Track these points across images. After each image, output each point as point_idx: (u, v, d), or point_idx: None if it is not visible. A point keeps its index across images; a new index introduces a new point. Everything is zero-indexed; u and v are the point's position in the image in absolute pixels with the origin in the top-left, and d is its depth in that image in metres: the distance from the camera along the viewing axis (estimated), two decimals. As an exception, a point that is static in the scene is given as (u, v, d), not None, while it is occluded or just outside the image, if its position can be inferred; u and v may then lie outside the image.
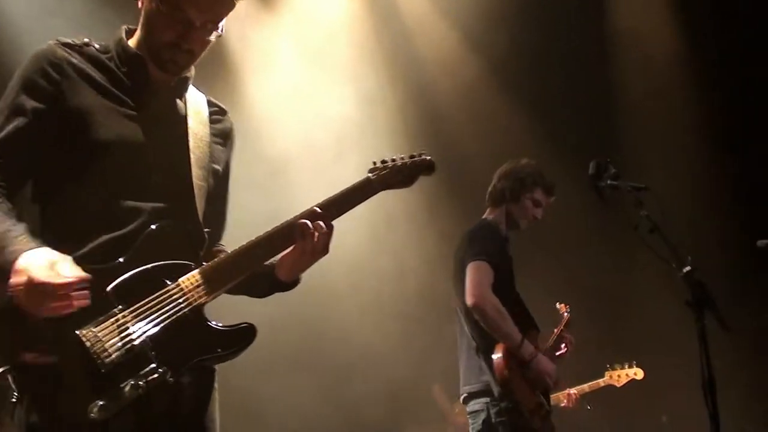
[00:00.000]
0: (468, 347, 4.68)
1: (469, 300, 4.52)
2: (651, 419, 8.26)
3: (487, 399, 4.48)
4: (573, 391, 6.32)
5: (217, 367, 2.87)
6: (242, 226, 3.15)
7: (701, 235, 7.64)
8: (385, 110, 8.17)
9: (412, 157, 3.03)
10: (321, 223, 2.81)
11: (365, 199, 2.94)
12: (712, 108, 8.43)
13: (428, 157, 3.05)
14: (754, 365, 7.89)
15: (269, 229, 2.84)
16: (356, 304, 7.90)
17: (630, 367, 6.34)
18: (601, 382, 6.37)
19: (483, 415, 4.52)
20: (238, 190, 3.18)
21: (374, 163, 2.99)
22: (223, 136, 3.07)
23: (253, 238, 2.82)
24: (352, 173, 3.02)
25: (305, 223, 2.80)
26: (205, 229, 2.89)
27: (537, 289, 5.23)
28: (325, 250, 2.84)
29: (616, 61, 8.62)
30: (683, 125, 8.51)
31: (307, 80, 7.90)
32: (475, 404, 4.59)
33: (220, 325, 2.72)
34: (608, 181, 4.31)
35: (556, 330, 5.22)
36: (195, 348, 2.67)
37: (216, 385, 2.88)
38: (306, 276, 2.97)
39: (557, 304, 5.47)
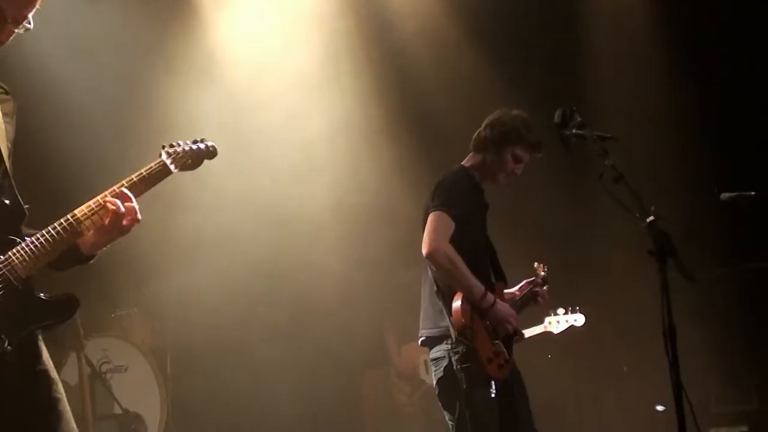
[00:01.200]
0: (430, 292, 4.68)
1: (423, 249, 4.53)
2: (612, 368, 8.36)
3: (448, 346, 4.48)
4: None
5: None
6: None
7: (666, 186, 7.67)
8: (352, 66, 8.11)
9: (195, 142, 3.28)
10: (130, 204, 3.02)
11: (161, 180, 3.15)
12: (680, 60, 8.43)
13: (211, 144, 3.31)
14: (714, 314, 7.98)
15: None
16: (323, 253, 7.90)
17: (572, 312, 6.20)
18: (536, 329, 6.22)
19: (445, 362, 4.53)
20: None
21: (163, 147, 3.19)
22: (10, 115, 3.14)
23: (68, 215, 2.99)
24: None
25: (117, 204, 2.99)
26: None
27: (500, 238, 5.20)
28: (127, 231, 3.05)
29: (583, 11, 8.56)
30: (650, 77, 8.51)
31: (274, 31, 7.80)
32: (437, 351, 4.60)
33: (47, 296, 2.95)
34: (574, 130, 4.29)
35: (524, 282, 5.17)
36: (28, 318, 2.90)
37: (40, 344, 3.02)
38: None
39: (535, 263, 5.37)
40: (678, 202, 7.42)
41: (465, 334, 4.41)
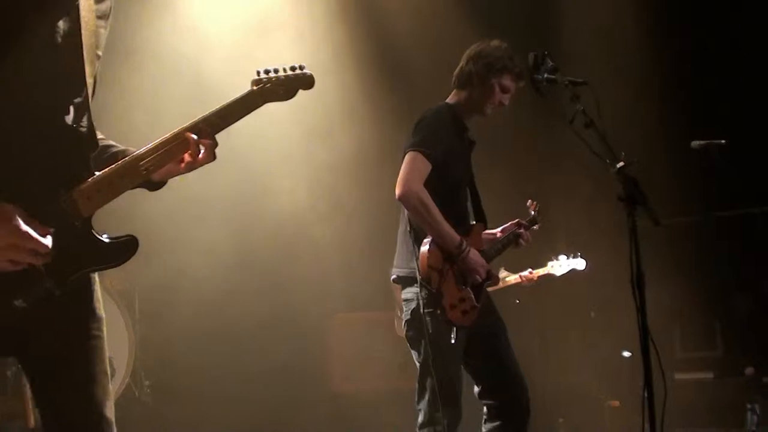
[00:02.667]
0: (404, 231, 4.64)
1: (396, 191, 4.47)
2: (580, 314, 8.41)
3: (416, 289, 4.47)
4: (524, 274, 6.33)
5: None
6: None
7: (637, 132, 7.66)
8: (323, 6, 8.03)
9: (293, 69, 2.99)
10: (206, 137, 2.82)
11: (248, 113, 2.92)
12: (654, 7, 8.39)
13: (308, 72, 3.00)
14: (682, 261, 8.03)
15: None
16: (298, 199, 7.88)
17: (574, 257, 6.27)
18: (540, 271, 6.33)
19: (413, 305, 4.51)
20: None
21: (258, 73, 2.94)
22: (105, 17, 2.91)
23: (140, 149, 2.79)
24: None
25: (191, 136, 2.80)
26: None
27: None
28: (208, 161, 2.86)
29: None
30: (623, 23, 8.47)
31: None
32: (407, 292, 4.57)
33: (106, 237, 2.71)
34: (545, 75, 4.26)
35: (509, 224, 5.11)
36: (82, 259, 2.66)
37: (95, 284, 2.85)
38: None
39: (528, 201, 5.33)
40: (648, 148, 7.40)
41: (429, 279, 4.39)
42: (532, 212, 5.15)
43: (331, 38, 8.03)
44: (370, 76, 8.19)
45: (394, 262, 4.73)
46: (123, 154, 2.87)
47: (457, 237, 4.46)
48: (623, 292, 3.58)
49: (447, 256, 4.46)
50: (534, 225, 5.10)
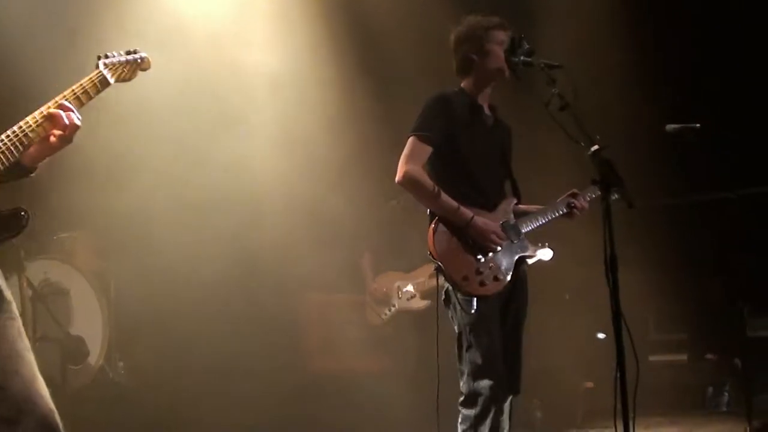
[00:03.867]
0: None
1: (396, 177, 4.54)
2: (554, 296, 8.45)
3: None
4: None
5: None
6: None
7: (612, 116, 7.68)
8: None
9: (128, 53, 3.31)
10: (72, 114, 3.02)
11: (100, 92, 3.17)
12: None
13: (145, 55, 3.34)
14: (656, 244, 8.08)
15: None
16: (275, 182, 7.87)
17: (541, 247, 6.32)
18: None
19: (447, 285, 4.53)
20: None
21: (98, 57, 3.21)
22: None
23: (13, 127, 2.96)
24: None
25: (61, 115, 2.99)
26: None
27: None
28: (70, 141, 3.03)
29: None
30: (599, 8, 8.49)
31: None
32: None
33: None
34: (522, 57, 4.27)
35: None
36: None
37: None
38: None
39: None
40: (622, 131, 7.44)
41: (434, 255, 4.43)
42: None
43: (311, 41, 8.02)
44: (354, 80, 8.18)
45: None
46: None
47: (457, 209, 4.46)
48: (598, 275, 3.60)
49: (454, 230, 4.46)
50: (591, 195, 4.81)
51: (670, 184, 8.27)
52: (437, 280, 4.54)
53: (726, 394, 8.26)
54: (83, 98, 3.10)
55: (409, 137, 4.56)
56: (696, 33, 8.28)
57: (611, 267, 3.52)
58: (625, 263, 3.55)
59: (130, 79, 3.31)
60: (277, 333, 7.82)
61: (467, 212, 4.45)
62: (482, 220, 4.47)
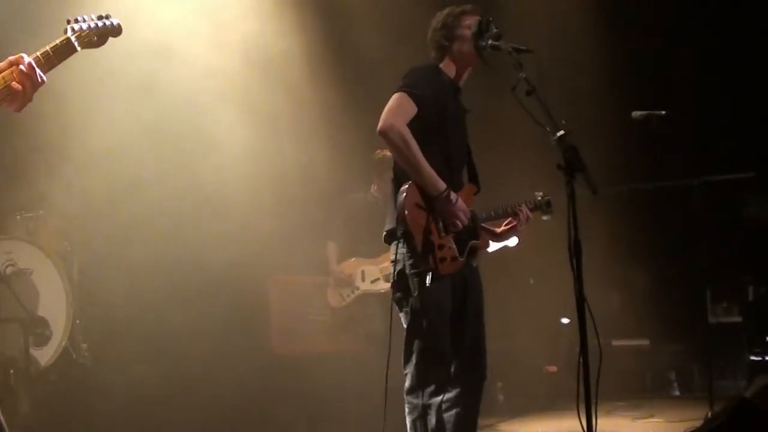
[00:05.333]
0: (390, 185, 4.56)
1: (378, 126, 4.34)
2: (519, 281, 8.49)
3: (403, 249, 4.37)
4: None
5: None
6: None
7: (578, 101, 7.72)
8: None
9: (100, 18, 3.25)
10: (38, 80, 3.03)
11: (66, 58, 3.14)
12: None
13: (116, 21, 3.30)
14: (622, 229, 8.14)
15: None
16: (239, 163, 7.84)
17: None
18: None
19: (399, 266, 4.40)
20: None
21: (68, 22, 3.17)
22: None
23: None
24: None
25: (21, 68, 3.00)
26: None
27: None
28: (29, 98, 3.04)
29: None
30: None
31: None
32: (393, 252, 4.44)
33: None
34: (489, 41, 4.25)
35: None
36: None
37: None
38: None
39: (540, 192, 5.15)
40: (589, 117, 7.48)
41: (401, 219, 4.30)
42: (539, 198, 4.91)
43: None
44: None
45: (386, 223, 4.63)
46: None
47: (437, 177, 4.32)
48: (563, 259, 3.60)
49: (425, 198, 4.33)
50: (539, 210, 4.80)
51: (634, 170, 8.31)
52: (396, 252, 4.38)
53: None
54: (46, 65, 3.07)
55: (396, 92, 4.39)
56: (664, 21, 8.33)
57: (575, 252, 3.52)
58: (590, 248, 3.57)
59: (98, 46, 3.26)
60: (241, 314, 7.80)
61: (442, 183, 4.34)
62: (455, 195, 4.37)
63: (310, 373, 7.31)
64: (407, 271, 4.37)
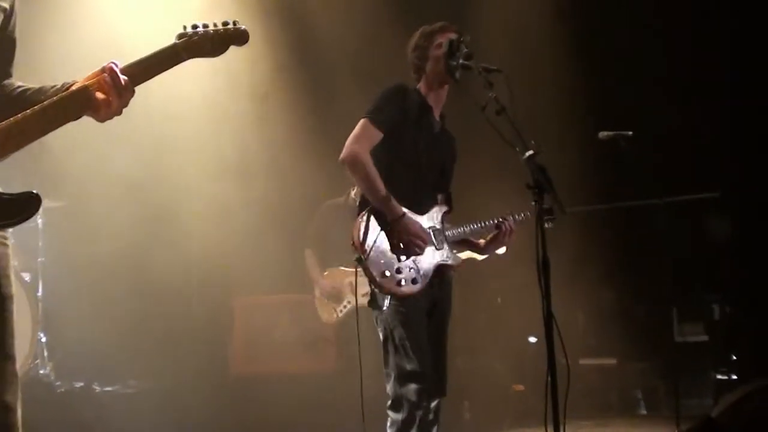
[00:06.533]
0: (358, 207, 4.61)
1: (341, 155, 4.45)
2: (486, 299, 8.52)
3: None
4: None
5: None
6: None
7: (546, 121, 7.78)
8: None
9: (225, 24, 2.94)
10: (122, 86, 2.80)
11: (171, 67, 2.88)
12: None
13: (242, 27, 2.97)
14: (590, 248, 8.19)
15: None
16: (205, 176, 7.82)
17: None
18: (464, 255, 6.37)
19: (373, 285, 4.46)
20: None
21: (184, 28, 2.88)
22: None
23: (56, 97, 2.78)
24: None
25: (106, 77, 2.80)
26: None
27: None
28: (119, 113, 2.85)
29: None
30: (534, 16, 8.60)
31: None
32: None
33: (8, 194, 2.72)
34: (461, 61, 4.30)
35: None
36: None
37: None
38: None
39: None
40: (557, 138, 7.53)
41: (357, 245, 4.35)
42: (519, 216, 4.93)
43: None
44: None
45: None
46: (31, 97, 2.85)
47: (394, 203, 4.40)
48: (531, 278, 3.63)
49: (383, 224, 4.40)
50: (520, 217, 4.84)
51: (601, 190, 8.39)
52: (356, 274, 4.45)
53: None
54: (141, 75, 2.86)
55: (362, 119, 4.48)
56: (631, 41, 8.42)
57: (543, 271, 3.56)
58: (558, 267, 3.60)
59: (216, 55, 2.95)
60: (207, 335, 7.78)
61: (400, 208, 4.42)
62: (411, 220, 4.44)
63: (277, 395, 7.28)
64: (375, 289, 4.44)
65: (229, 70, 7.83)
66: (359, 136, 4.46)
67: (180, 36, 2.88)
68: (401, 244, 4.42)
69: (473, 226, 4.75)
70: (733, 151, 8.22)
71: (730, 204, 8.24)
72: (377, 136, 4.47)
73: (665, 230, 6.55)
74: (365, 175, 4.42)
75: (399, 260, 4.42)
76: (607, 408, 8.37)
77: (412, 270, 4.43)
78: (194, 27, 2.88)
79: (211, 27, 2.91)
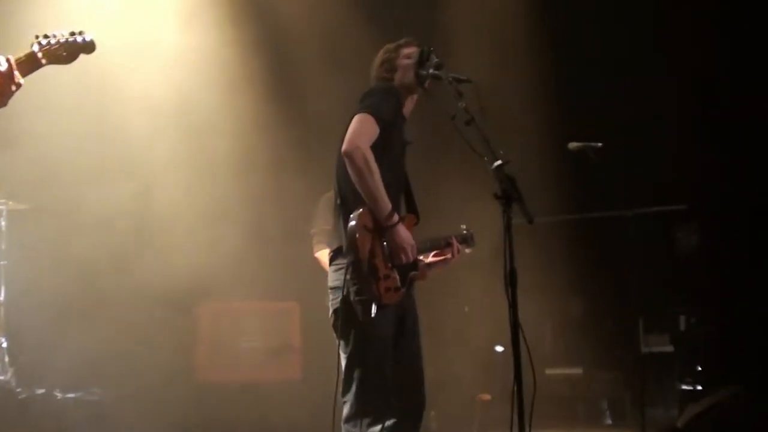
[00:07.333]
0: (337, 206, 4.45)
1: (343, 146, 4.28)
2: (453, 308, 8.55)
3: (345, 274, 4.35)
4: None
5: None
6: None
7: (515, 131, 7.82)
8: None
9: (72, 34, 3.26)
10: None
11: (30, 72, 3.17)
12: (541, 11, 8.62)
13: (89, 38, 3.29)
14: (557, 259, 8.25)
15: None
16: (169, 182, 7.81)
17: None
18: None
19: (342, 292, 4.35)
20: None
21: (36, 37, 3.18)
22: None
23: None
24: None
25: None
26: None
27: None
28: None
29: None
30: (505, 25, 8.66)
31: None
32: (335, 278, 4.43)
33: None
34: (430, 70, 4.32)
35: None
36: None
37: None
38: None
39: (464, 225, 5.21)
40: (526, 148, 7.58)
41: (353, 246, 4.24)
42: (465, 232, 4.98)
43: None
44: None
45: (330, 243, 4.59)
46: None
47: (390, 205, 4.30)
48: (498, 288, 3.65)
49: (377, 227, 4.31)
50: (465, 243, 4.86)
51: (569, 201, 8.45)
52: (345, 277, 4.33)
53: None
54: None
55: (359, 113, 4.33)
56: (603, 52, 8.50)
57: (511, 281, 3.59)
58: (525, 277, 3.63)
59: (68, 62, 3.25)
60: (168, 342, 7.73)
61: (396, 215, 4.33)
62: (405, 229, 4.37)
63: (243, 404, 7.26)
64: (352, 297, 4.34)
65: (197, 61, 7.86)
66: (361, 130, 4.29)
67: (38, 44, 3.18)
68: (392, 251, 4.36)
69: (432, 242, 4.72)
70: (702, 163, 8.30)
71: (698, 216, 8.34)
72: (376, 132, 4.32)
73: (633, 241, 6.62)
74: (370, 172, 4.26)
75: (387, 266, 4.34)
76: (573, 418, 8.43)
77: (395, 278, 4.39)
78: (46, 36, 3.19)
79: (61, 37, 3.22)
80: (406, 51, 4.60)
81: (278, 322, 7.56)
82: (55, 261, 7.35)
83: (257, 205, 8.07)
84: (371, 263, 4.29)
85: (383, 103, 4.41)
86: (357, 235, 4.25)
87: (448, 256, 4.75)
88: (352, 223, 4.29)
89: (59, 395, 7.13)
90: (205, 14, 8.00)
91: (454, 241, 4.76)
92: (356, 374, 4.37)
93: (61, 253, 7.38)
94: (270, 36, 8.35)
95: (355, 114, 4.35)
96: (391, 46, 4.68)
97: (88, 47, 3.27)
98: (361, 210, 4.31)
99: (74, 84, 6.86)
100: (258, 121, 8.12)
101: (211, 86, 7.97)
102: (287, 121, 8.18)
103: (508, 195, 3.66)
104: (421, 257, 4.68)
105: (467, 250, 4.87)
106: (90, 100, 7.42)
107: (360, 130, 4.29)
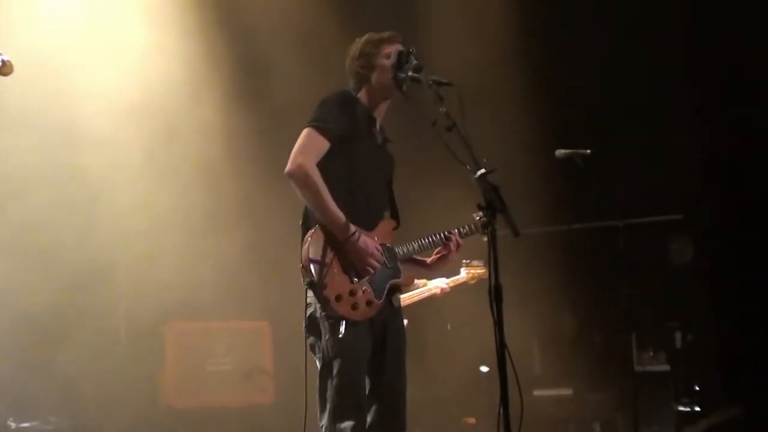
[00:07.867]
0: (299, 226, 4.53)
1: (286, 167, 4.31)
2: (436, 327, 8.53)
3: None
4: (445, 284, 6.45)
5: None
6: None
7: (501, 138, 7.83)
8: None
9: None
10: None
11: None
12: (525, 12, 8.65)
13: (6, 58, 3.49)
14: (543, 272, 8.25)
15: None
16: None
17: (479, 267, 6.40)
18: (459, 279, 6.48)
19: (311, 309, 4.37)
20: None
21: None
22: None
23: None
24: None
25: None
26: None
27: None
28: None
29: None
30: (490, 29, 8.69)
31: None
32: (307, 295, 4.43)
33: None
34: (409, 73, 4.30)
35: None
36: None
37: None
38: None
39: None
40: (511, 156, 7.59)
41: (310, 269, 4.24)
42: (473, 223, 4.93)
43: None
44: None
45: None
46: None
47: (344, 219, 4.30)
48: (483, 305, 3.63)
49: (333, 243, 4.32)
50: (477, 232, 4.76)
51: (557, 211, 8.46)
52: (305, 298, 4.37)
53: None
54: None
55: (305, 128, 4.36)
56: (591, 58, 8.54)
57: (496, 297, 3.57)
58: (511, 294, 3.61)
59: None
60: (132, 365, 7.69)
61: (352, 227, 4.32)
62: (364, 239, 4.36)
63: (208, 427, 7.23)
64: (318, 314, 4.35)
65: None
66: (305, 147, 4.34)
67: None
68: (355, 264, 4.36)
69: (422, 241, 4.70)
70: (698, 172, 8.34)
71: (694, 227, 8.36)
72: (324, 146, 4.36)
73: (624, 253, 6.62)
74: (314, 190, 4.29)
75: (352, 282, 4.35)
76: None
77: (365, 291, 4.38)
78: None
79: None
80: (387, 50, 4.58)
81: (248, 342, 7.51)
82: (8, 281, 7.29)
83: (226, 218, 8.03)
84: (332, 283, 4.30)
85: (331, 115, 4.42)
86: (310, 260, 4.28)
87: (444, 252, 4.74)
88: (305, 246, 4.32)
89: (13, 425, 7.07)
90: (172, 12, 7.98)
91: (455, 236, 4.73)
92: (328, 394, 4.35)
93: (16, 272, 7.31)
94: (240, 33, 8.34)
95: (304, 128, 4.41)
96: (374, 37, 4.64)
97: (6, 68, 3.40)
98: (313, 230, 4.34)
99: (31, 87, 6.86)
100: (225, 127, 8.10)
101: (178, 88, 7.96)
102: (255, 128, 8.16)
103: (493, 205, 3.65)
104: (417, 257, 4.70)
105: (484, 239, 4.76)
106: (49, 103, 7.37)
107: (302, 148, 4.35)
